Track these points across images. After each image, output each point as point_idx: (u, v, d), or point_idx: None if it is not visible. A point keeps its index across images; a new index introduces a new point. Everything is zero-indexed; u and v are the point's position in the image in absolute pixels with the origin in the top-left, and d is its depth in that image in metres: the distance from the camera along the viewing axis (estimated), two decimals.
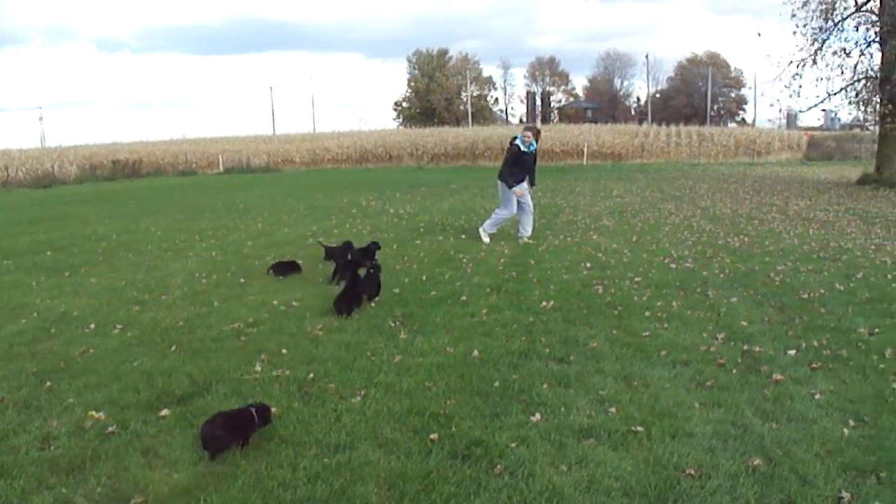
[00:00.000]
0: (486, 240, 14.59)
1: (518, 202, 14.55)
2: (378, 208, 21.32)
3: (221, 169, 50.21)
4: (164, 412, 5.83)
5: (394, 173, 40.56)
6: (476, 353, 7.22)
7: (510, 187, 14.33)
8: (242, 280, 11.18)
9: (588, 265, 11.77)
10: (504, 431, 5.37)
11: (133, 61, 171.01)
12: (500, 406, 5.86)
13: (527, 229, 14.73)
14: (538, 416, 5.63)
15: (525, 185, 14.51)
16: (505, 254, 12.99)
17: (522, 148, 14.28)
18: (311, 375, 6.60)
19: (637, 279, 10.67)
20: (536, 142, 14.60)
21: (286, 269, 11.57)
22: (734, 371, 6.65)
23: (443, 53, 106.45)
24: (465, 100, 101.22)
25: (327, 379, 6.51)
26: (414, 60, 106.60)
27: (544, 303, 9.23)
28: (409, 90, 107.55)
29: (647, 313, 8.71)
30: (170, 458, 5.09)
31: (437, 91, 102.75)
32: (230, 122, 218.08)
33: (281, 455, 5.08)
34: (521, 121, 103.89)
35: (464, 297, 9.60)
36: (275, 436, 5.37)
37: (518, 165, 14.35)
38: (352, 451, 5.12)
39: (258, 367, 6.90)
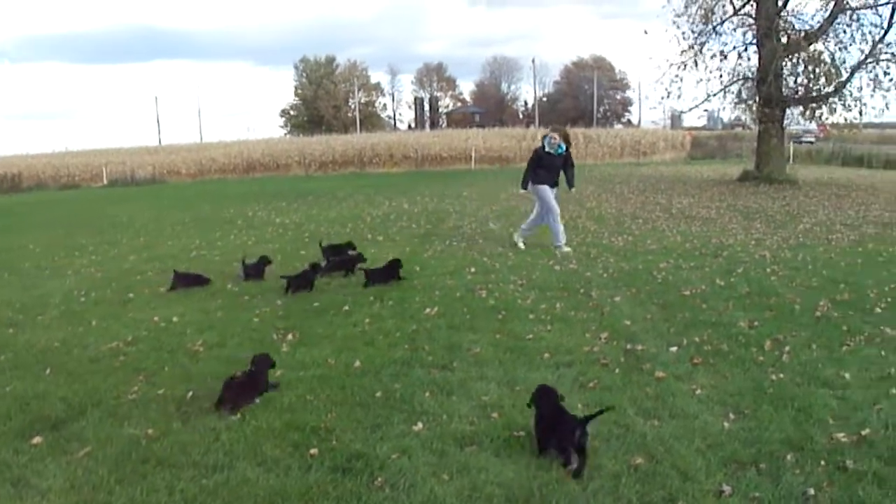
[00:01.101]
0: (567, 249, 13.55)
1: (540, 205, 13.95)
2: (264, 218, 20.96)
3: (105, 182, 48.55)
4: (37, 440, 5.54)
5: (281, 182, 40.02)
6: (358, 363, 7.13)
7: (523, 187, 14.02)
8: (123, 297, 10.79)
9: (473, 269, 11.78)
10: (385, 442, 5.31)
11: (12, 71, 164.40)
12: (381, 417, 5.79)
13: (527, 232, 14.34)
14: (420, 425, 5.59)
15: (548, 188, 13.74)
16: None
17: (547, 149, 13.68)
18: (191, 394, 6.39)
19: (521, 282, 10.75)
20: (567, 144, 13.88)
21: (190, 281, 11.23)
22: (617, 371, 6.74)
23: (330, 60, 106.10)
24: (353, 107, 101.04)
25: (206, 397, 6.32)
26: (301, 68, 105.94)
27: (428, 309, 9.20)
28: (297, 98, 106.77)
29: (531, 316, 8.76)
30: (41, 488, 4.85)
31: (325, 98, 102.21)
32: (115, 134, 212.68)
33: (157, 478, 4.89)
34: (409, 126, 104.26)
35: (347, 307, 9.49)
36: (151, 458, 5.18)
37: (544, 168, 13.70)
38: (230, 470, 4.97)
39: (136, 388, 6.66)
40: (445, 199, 24.97)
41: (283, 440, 5.42)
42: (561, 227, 13.83)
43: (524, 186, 13.99)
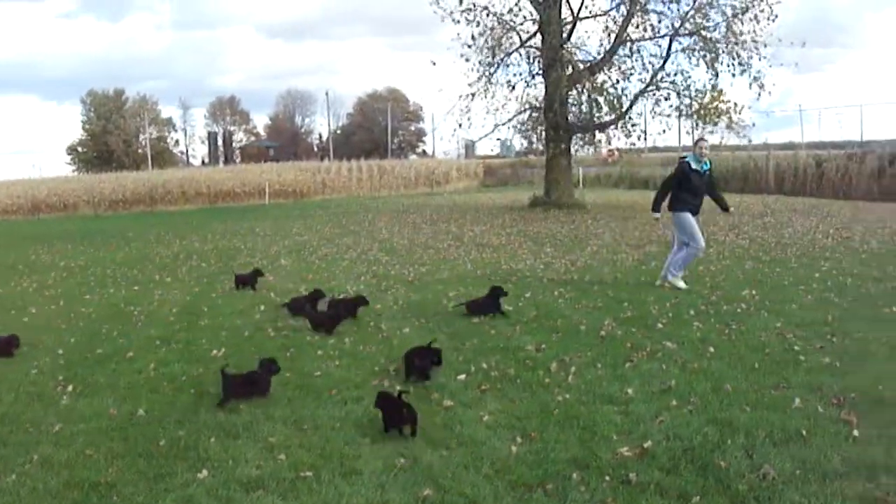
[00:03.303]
0: (682, 285, 11.85)
1: (679, 234, 12.00)
2: (48, 262, 19.79)
3: None
4: None
5: (68, 223, 38.12)
6: (142, 411, 6.87)
7: (655, 210, 12.11)
8: None
9: (262, 308, 11.59)
10: (169, 493, 5.14)
11: None
12: (165, 466, 5.58)
13: (680, 269, 12.09)
14: (205, 472, 5.43)
15: (690, 216, 11.80)
16: (178, 303, 12.49)
17: (693, 165, 11.71)
18: None
19: None
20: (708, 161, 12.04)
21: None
22: None
23: (119, 94, 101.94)
24: (143, 142, 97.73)
25: None
26: (89, 102, 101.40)
27: (215, 351, 8.97)
28: (85, 133, 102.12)
29: (320, 352, 8.71)
30: None
31: (115, 133, 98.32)
32: None
33: None
34: (203, 162, 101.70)
35: (131, 353, 9.09)
36: None
37: (688, 190, 11.74)
38: None
39: None
40: (238, 236, 24.53)
41: (61, 500, 5.16)
42: (689, 262, 12.19)
43: (656, 209, 12.11)
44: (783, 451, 5.39)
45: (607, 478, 5.04)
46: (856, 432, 5.66)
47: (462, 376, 7.43)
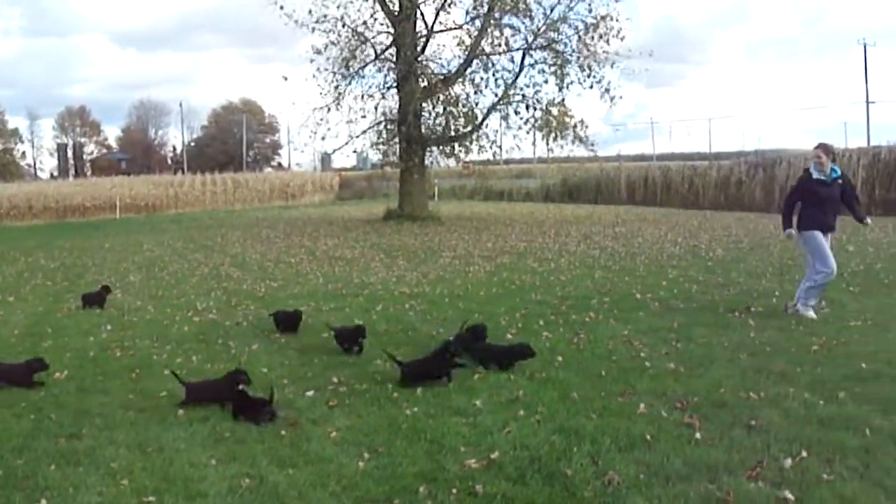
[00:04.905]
0: (813, 315, 10.24)
1: (809, 255, 10.54)
2: None
3: None
4: None
5: None
6: None
7: (786, 228, 10.60)
8: None
9: (109, 327, 11.16)
10: None
11: None
12: (1, 498, 5.28)
13: (814, 297, 10.47)
14: (44, 502, 5.16)
15: (820, 235, 10.30)
16: (20, 324, 11.89)
17: (816, 175, 10.35)
18: None
19: (158, 337, 10.35)
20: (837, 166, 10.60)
21: None
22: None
23: None
24: None
25: None
26: None
27: (57, 374, 8.53)
28: None
29: (166, 372, 8.39)
30: None
31: None
32: None
33: None
34: (51, 175, 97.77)
35: None
36: None
37: (816, 205, 10.31)
38: None
39: None
40: (86, 253, 23.65)
41: None
42: (821, 289, 10.51)
43: (787, 226, 10.64)
44: (628, 456, 5.51)
45: (454, 490, 5.03)
46: (698, 435, 5.85)
47: (311, 392, 7.32)
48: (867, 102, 55.59)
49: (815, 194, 10.23)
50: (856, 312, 10.35)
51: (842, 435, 5.78)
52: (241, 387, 6.94)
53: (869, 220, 10.88)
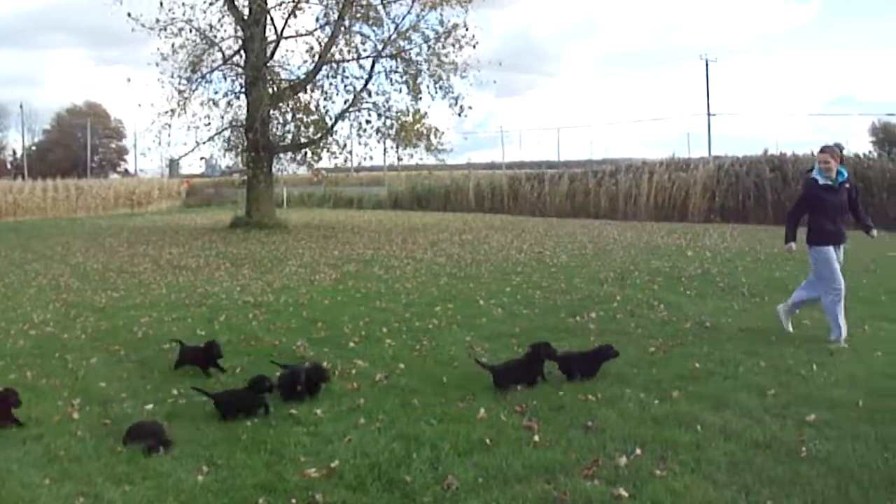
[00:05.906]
0: (845, 345, 9.03)
1: (814, 271, 9.65)
2: None
3: None
4: None
5: None
6: None
7: (790, 241, 9.70)
8: None
9: None
10: None
11: None
12: None
13: (839, 323, 9.22)
14: None
15: (831, 249, 9.35)
16: None
17: (821, 180, 9.42)
18: None
19: None
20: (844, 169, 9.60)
21: None
22: (89, 437, 6.45)
23: None
24: None
25: None
26: None
27: None
28: None
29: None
30: None
31: None
32: None
33: None
34: None
35: None
36: None
37: (823, 213, 9.36)
38: None
39: None
40: None
41: None
42: (842, 311, 9.26)
43: (791, 239, 9.76)
44: (467, 460, 5.66)
45: (293, 500, 5.07)
46: (536, 437, 6.05)
47: (150, 406, 7.19)
48: (708, 115, 58.20)
49: (822, 202, 9.34)
50: (692, 315, 10.86)
51: (674, 432, 6.09)
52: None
53: (875, 233, 9.65)
